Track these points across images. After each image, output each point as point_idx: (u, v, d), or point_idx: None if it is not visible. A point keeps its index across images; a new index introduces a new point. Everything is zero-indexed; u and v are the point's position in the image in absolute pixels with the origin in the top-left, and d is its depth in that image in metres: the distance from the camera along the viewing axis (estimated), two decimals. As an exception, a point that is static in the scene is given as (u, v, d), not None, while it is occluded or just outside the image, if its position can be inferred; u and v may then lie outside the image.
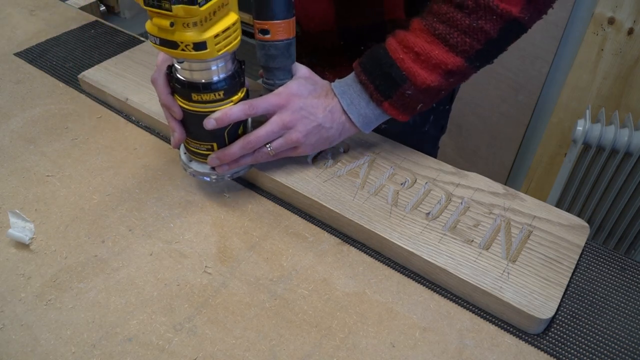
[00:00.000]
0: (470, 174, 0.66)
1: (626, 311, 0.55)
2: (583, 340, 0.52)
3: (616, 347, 0.52)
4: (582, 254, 0.59)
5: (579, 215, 0.68)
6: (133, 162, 0.71)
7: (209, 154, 0.62)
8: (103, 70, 0.83)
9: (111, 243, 0.61)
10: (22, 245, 0.60)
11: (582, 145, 1.29)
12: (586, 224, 0.60)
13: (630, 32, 1.25)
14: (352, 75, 0.63)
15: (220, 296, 0.55)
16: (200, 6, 0.49)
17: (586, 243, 0.60)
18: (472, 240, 0.58)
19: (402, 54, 0.59)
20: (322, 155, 0.68)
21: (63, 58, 0.91)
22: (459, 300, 0.56)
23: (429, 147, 0.92)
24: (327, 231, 0.62)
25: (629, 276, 0.58)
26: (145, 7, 0.50)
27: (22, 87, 0.84)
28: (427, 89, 0.59)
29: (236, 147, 0.61)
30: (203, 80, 0.57)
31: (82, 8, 1.09)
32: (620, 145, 1.24)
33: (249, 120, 0.64)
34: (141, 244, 0.60)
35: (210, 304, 0.55)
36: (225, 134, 0.61)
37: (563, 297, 0.55)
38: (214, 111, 0.58)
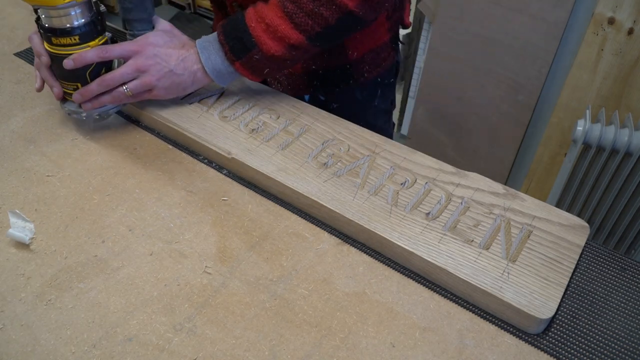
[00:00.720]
0: (470, 174, 0.66)
1: (626, 311, 0.55)
2: (583, 340, 0.52)
3: (616, 347, 0.52)
4: (582, 254, 0.59)
5: (579, 215, 0.68)
6: (133, 162, 0.71)
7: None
8: (103, 70, 0.83)
9: (111, 243, 0.61)
10: (22, 245, 0.60)
11: (582, 145, 1.29)
12: (586, 224, 0.60)
13: (630, 32, 1.26)
14: (214, 34, 0.71)
15: (220, 296, 0.55)
16: None
17: (586, 243, 0.60)
18: (472, 240, 0.58)
19: (255, 22, 0.67)
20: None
21: (63, 58, 0.91)
22: (459, 300, 0.56)
23: (382, 121, 0.97)
24: (327, 231, 0.62)
25: (629, 276, 0.58)
26: None
27: (22, 87, 0.84)
28: (272, 57, 0.68)
29: (94, 85, 0.69)
30: (60, 26, 0.65)
31: (82, 8, 1.08)
32: (620, 145, 1.24)
33: (115, 64, 0.72)
34: (141, 244, 0.60)
35: (210, 304, 0.55)
36: (87, 75, 0.69)
37: (563, 297, 0.55)
38: (71, 54, 0.67)
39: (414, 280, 0.57)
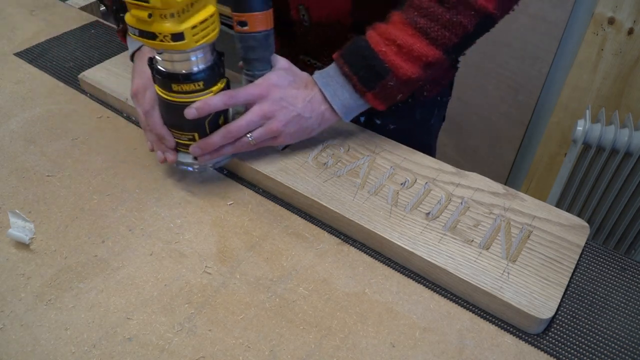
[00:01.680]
0: (470, 174, 0.66)
1: (626, 311, 0.55)
2: (583, 340, 0.52)
3: (616, 347, 0.52)
4: (582, 254, 0.59)
5: (579, 215, 0.68)
6: (133, 162, 0.71)
7: (191, 144, 0.63)
8: (103, 70, 0.83)
9: (111, 243, 0.61)
10: (22, 245, 0.60)
11: (582, 145, 1.29)
12: (586, 224, 0.60)
13: (630, 32, 1.25)
14: (333, 66, 0.65)
15: (220, 296, 0.55)
16: None
17: (586, 243, 0.60)
18: (472, 240, 0.58)
19: (384, 46, 0.61)
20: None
21: (63, 58, 0.91)
22: (459, 300, 0.56)
23: (433, 139, 0.94)
24: (327, 231, 0.62)
25: (629, 276, 0.58)
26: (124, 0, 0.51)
27: (22, 87, 0.84)
28: (408, 80, 0.62)
29: (217, 137, 0.62)
30: (183, 71, 0.58)
31: (82, 8, 1.09)
32: (620, 145, 1.24)
33: (230, 111, 0.66)
34: (141, 244, 0.60)
35: (210, 304, 0.55)
36: (206, 123, 0.62)
37: (563, 297, 0.55)
38: (194, 101, 0.60)
39: (414, 280, 0.57)
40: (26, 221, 0.62)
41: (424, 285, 0.57)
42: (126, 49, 0.89)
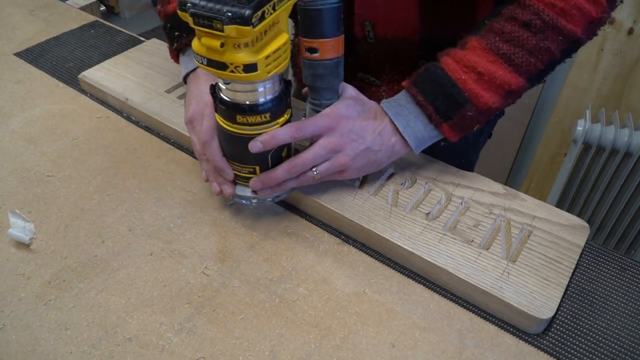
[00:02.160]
0: (470, 174, 0.66)
1: (626, 311, 0.55)
2: (583, 340, 0.52)
3: (616, 347, 0.52)
4: (582, 254, 0.59)
5: (579, 215, 0.68)
6: (133, 162, 0.71)
7: (251, 177, 0.59)
8: (103, 70, 0.83)
9: (111, 243, 0.61)
10: (22, 245, 0.60)
11: (582, 145, 1.29)
12: (586, 224, 0.60)
13: (630, 32, 1.25)
14: (404, 95, 0.60)
15: (220, 296, 0.55)
16: (254, 26, 0.45)
17: (586, 243, 0.60)
18: (472, 240, 0.58)
19: (463, 74, 0.56)
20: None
21: (63, 58, 0.91)
22: (459, 300, 0.56)
23: (477, 155, 0.91)
24: (327, 231, 0.62)
25: (629, 276, 0.58)
26: (194, 27, 0.47)
27: (22, 87, 0.84)
28: (487, 110, 0.58)
29: (281, 171, 0.58)
30: (249, 102, 0.54)
31: (82, 8, 1.09)
32: (620, 145, 1.24)
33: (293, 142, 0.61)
34: (141, 244, 0.60)
35: (210, 304, 0.55)
36: (269, 156, 0.58)
37: (563, 297, 0.55)
38: (259, 134, 0.55)
39: (414, 280, 0.57)
40: (26, 221, 0.62)
41: (424, 285, 0.57)
42: (125, 49, 0.89)
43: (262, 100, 0.54)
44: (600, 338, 0.52)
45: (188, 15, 0.46)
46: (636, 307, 0.55)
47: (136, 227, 0.62)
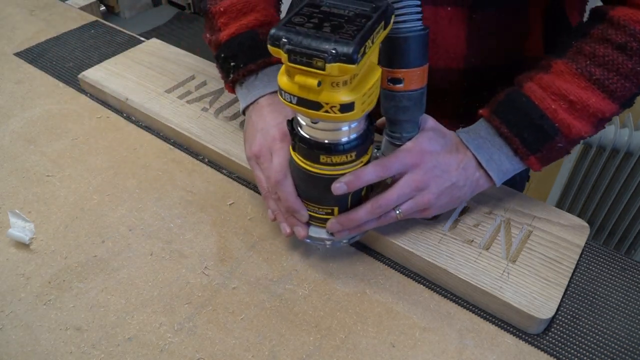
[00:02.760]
0: (470, 174, 0.66)
1: (626, 311, 0.55)
2: (583, 340, 0.52)
3: (616, 347, 0.52)
4: (582, 254, 0.59)
5: (579, 216, 0.68)
6: (133, 162, 0.71)
7: (327, 218, 0.55)
8: (103, 70, 0.83)
9: (111, 243, 0.61)
10: (22, 245, 0.60)
11: (583, 145, 1.29)
12: (586, 224, 0.60)
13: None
14: (484, 126, 0.56)
15: (220, 296, 0.55)
16: (358, 63, 0.40)
17: (586, 243, 0.60)
18: (472, 240, 0.58)
19: (552, 102, 0.53)
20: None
21: (63, 58, 0.91)
22: (459, 300, 0.56)
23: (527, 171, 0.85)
24: (327, 231, 0.62)
25: (629, 276, 0.58)
26: (289, 64, 0.42)
27: (22, 87, 0.84)
28: (578, 139, 0.54)
29: (363, 212, 0.53)
30: (334, 141, 0.48)
31: (82, 8, 1.09)
32: (620, 145, 1.24)
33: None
34: (141, 244, 0.60)
35: (210, 304, 0.55)
36: (350, 196, 0.53)
37: (563, 297, 0.55)
38: (343, 174, 0.51)
39: (414, 280, 0.57)
40: (26, 221, 0.62)
41: (424, 285, 0.57)
42: (125, 49, 0.89)
43: (347, 138, 0.49)
44: (600, 338, 0.52)
45: (282, 52, 0.41)
46: (636, 307, 0.55)
47: (136, 227, 0.62)
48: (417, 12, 0.49)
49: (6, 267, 0.58)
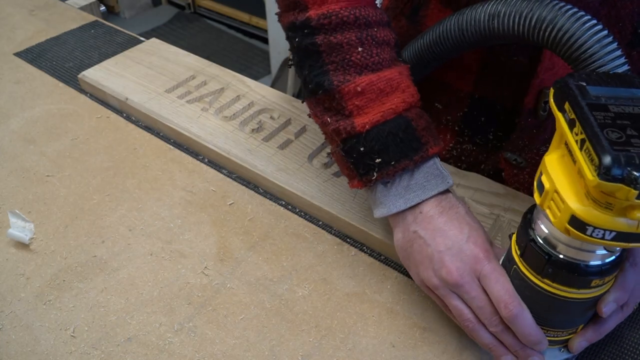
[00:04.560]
0: (470, 174, 0.66)
1: (626, 311, 0.54)
2: (583, 340, 0.52)
3: (616, 346, 0.52)
4: (582, 254, 0.59)
5: (579, 215, 0.67)
6: (133, 162, 0.71)
7: (567, 339, 0.48)
8: (103, 70, 0.83)
9: (111, 243, 0.61)
10: (22, 245, 0.60)
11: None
12: (586, 224, 0.60)
13: (631, 32, 1.25)
14: None
15: (220, 296, 0.55)
16: None
17: (586, 243, 0.60)
18: (472, 240, 0.58)
19: None
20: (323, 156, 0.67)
21: (63, 58, 0.91)
22: (459, 300, 0.55)
23: None
24: (327, 231, 0.62)
25: (629, 276, 0.58)
26: (637, 202, 0.34)
27: (22, 87, 0.84)
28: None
29: (614, 321, 0.47)
30: (609, 260, 0.42)
31: (82, 8, 1.08)
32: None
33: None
34: (141, 244, 0.60)
35: (210, 304, 0.55)
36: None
37: (563, 297, 0.55)
38: (602, 294, 0.44)
39: (414, 280, 0.57)
40: (26, 221, 0.62)
41: (424, 285, 0.57)
42: (125, 49, 0.89)
43: (616, 256, 0.43)
44: (601, 338, 0.52)
45: (632, 189, 0.33)
46: (636, 307, 0.55)
47: (136, 227, 0.62)
48: None
49: (6, 267, 0.58)
